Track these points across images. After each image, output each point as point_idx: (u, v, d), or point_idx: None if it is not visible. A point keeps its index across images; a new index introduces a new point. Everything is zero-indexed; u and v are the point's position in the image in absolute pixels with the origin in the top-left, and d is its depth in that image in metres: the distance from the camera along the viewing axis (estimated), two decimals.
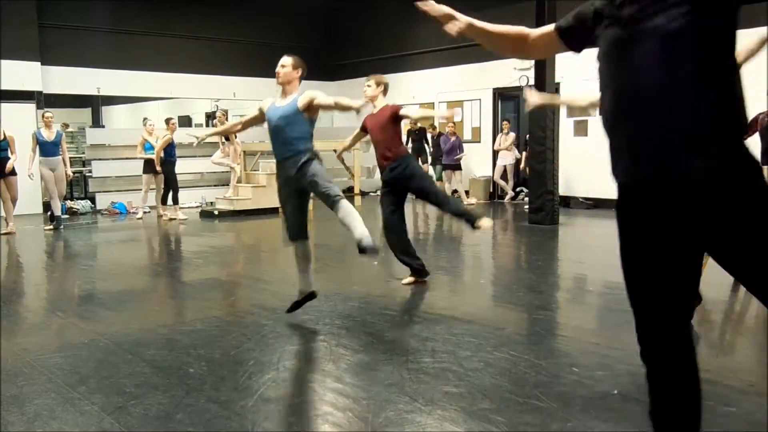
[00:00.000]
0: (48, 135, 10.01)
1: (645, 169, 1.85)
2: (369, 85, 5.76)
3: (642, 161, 1.86)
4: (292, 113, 4.61)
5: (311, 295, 4.89)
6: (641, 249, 1.96)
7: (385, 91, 5.79)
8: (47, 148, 9.98)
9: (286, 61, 4.68)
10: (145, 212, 11.95)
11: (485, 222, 5.62)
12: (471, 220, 5.66)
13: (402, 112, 5.66)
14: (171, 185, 11.29)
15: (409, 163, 5.80)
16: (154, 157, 11.27)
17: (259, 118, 4.92)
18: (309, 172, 4.58)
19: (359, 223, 4.50)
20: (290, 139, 4.62)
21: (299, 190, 4.71)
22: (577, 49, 2.20)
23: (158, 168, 11.14)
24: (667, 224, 1.87)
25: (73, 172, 10.98)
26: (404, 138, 14.60)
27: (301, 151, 4.60)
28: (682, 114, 1.75)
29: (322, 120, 15.66)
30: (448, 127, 13.26)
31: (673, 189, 1.82)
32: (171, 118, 11.74)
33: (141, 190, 11.88)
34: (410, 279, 5.87)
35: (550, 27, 2.23)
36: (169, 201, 11.40)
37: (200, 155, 13.27)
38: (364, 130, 5.95)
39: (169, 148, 11.16)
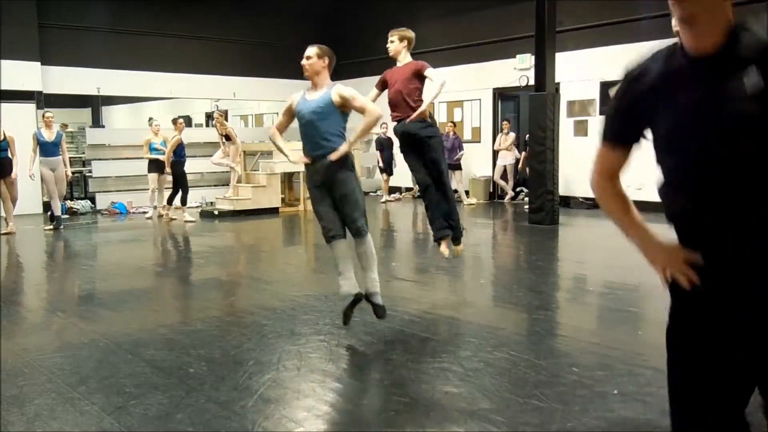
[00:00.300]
0: (48, 135, 10.01)
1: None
2: (392, 41, 5.48)
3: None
4: (326, 106, 4.25)
5: (359, 298, 4.46)
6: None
7: (409, 46, 5.51)
8: (47, 148, 9.98)
9: (311, 51, 4.34)
10: (154, 208, 11.89)
11: (446, 250, 5.55)
12: (457, 235, 5.57)
13: (427, 72, 5.37)
14: (181, 186, 11.27)
15: (435, 126, 5.56)
16: (158, 156, 11.26)
17: (291, 115, 4.53)
18: (344, 186, 4.27)
19: (374, 268, 4.38)
20: (324, 134, 4.26)
21: (332, 190, 4.35)
22: (639, 138, 1.80)
23: (168, 169, 11.12)
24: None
25: (73, 172, 10.97)
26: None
27: (335, 149, 4.24)
28: None
29: None
30: (448, 126, 13.25)
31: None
32: (179, 118, 11.73)
33: (144, 190, 11.86)
34: (445, 248, 5.66)
35: (608, 153, 1.84)
36: (176, 202, 11.36)
37: (200, 155, 13.28)
38: (381, 87, 5.59)
39: (179, 149, 11.13)
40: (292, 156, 4.50)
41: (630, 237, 1.82)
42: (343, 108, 4.29)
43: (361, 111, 4.29)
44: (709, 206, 1.60)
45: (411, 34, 5.53)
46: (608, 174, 1.86)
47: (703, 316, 1.68)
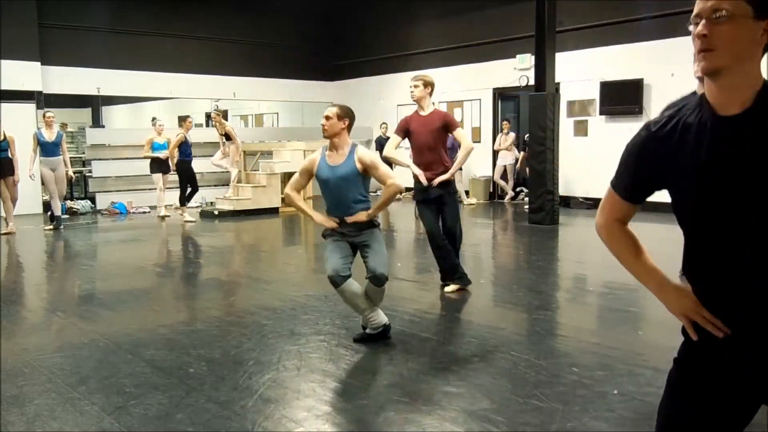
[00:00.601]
0: (49, 135, 10.01)
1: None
2: (416, 86, 5.41)
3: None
4: (352, 175, 4.23)
5: (388, 327, 4.39)
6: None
7: (431, 92, 5.48)
8: (48, 148, 9.98)
9: (331, 111, 4.27)
10: (167, 206, 11.87)
11: (453, 289, 5.55)
12: (460, 276, 5.56)
13: (457, 132, 5.42)
14: (191, 184, 11.25)
15: (455, 184, 5.67)
16: (160, 155, 11.26)
17: (310, 176, 4.48)
18: (373, 240, 4.26)
19: (380, 309, 4.38)
20: (352, 200, 4.25)
21: (351, 245, 4.32)
22: (651, 193, 1.74)
23: (173, 168, 11.10)
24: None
25: (74, 172, 10.96)
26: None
27: (362, 209, 4.26)
28: None
29: (309, 121, 15.72)
30: None
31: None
32: (188, 117, 11.74)
33: (144, 190, 11.84)
34: (455, 288, 5.63)
35: (619, 205, 1.78)
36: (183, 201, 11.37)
37: (200, 155, 13.27)
38: (403, 134, 5.50)
39: (185, 147, 11.11)
40: (316, 217, 4.39)
41: (644, 283, 1.73)
42: (365, 173, 4.27)
43: (382, 181, 4.28)
44: (730, 269, 1.53)
45: (433, 80, 5.52)
46: (616, 218, 1.79)
47: (713, 370, 1.61)
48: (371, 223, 4.28)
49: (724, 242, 1.52)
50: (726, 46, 1.42)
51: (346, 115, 4.28)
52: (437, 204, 5.52)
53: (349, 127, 4.32)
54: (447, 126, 5.38)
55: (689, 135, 1.53)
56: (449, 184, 5.51)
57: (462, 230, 5.77)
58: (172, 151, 11.08)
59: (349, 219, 4.23)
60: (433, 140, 5.36)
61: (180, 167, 11.14)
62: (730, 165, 1.46)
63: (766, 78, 1.48)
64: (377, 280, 4.18)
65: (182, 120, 11.45)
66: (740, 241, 1.49)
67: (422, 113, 5.43)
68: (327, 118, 4.25)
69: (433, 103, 5.57)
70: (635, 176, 1.67)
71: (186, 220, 10.99)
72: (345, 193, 4.26)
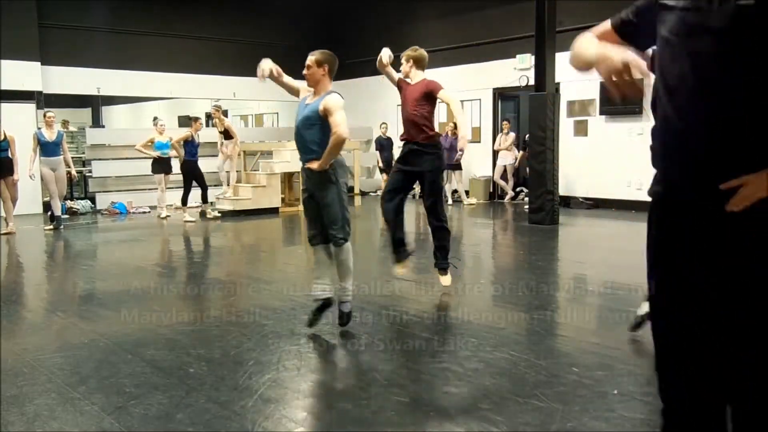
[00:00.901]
0: (49, 135, 10.01)
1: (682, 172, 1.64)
2: (402, 62, 5.44)
3: (681, 164, 1.64)
4: (313, 115, 4.26)
5: (327, 303, 4.54)
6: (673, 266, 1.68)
7: (417, 65, 5.40)
8: (49, 148, 9.99)
9: (310, 60, 4.30)
10: (167, 207, 11.87)
11: (446, 280, 5.60)
12: (443, 267, 5.61)
13: (440, 93, 5.24)
14: (199, 184, 11.24)
15: (441, 156, 5.51)
16: (160, 154, 11.25)
17: (295, 92, 4.57)
18: (325, 197, 4.29)
19: (349, 278, 4.45)
20: (309, 143, 4.29)
21: (316, 198, 4.42)
22: (642, 46, 1.83)
23: (179, 161, 11.09)
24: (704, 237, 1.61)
25: (76, 172, 10.94)
26: None
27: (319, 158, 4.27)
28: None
29: None
30: (448, 127, 13.25)
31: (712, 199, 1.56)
32: (198, 118, 11.75)
33: (143, 190, 11.83)
34: (403, 268, 5.75)
35: (607, 26, 1.89)
36: (194, 200, 11.36)
37: (200, 155, 13.26)
38: (398, 86, 5.58)
39: (191, 147, 11.11)
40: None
41: (588, 55, 1.73)
42: (326, 119, 4.24)
43: (332, 128, 4.20)
44: (695, 110, 1.57)
45: (419, 53, 5.44)
46: (595, 35, 1.86)
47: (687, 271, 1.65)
48: (328, 179, 4.28)
49: (693, 86, 1.57)
50: None
51: (326, 61, 4.31)
52: (414, 176, 5.53)
53: (330, 73, 4.33)
54: (428, 92, 5.29)
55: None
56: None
57: (446, 223, 5.65)
58: (175, 144, 11.06)
59: (312, 165, 4.27)
60: (415, 107, 5.34)
61: (185, 168, 11.12)
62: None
63: None
64: (334, 242, 4.31)
65: (193, 120, 11.47)
66: (712, 80, 1.54)
67: (409, 82, 5.47)
68: (307, 67, 4.30)
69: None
70: (635, 9, 1.78)
71: (186, 220, 10.99)
72: (304, 134, 4.32)
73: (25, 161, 10.03)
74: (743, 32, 1.48)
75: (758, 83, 1.48)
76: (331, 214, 4.30)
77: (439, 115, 14.68)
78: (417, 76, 5.43)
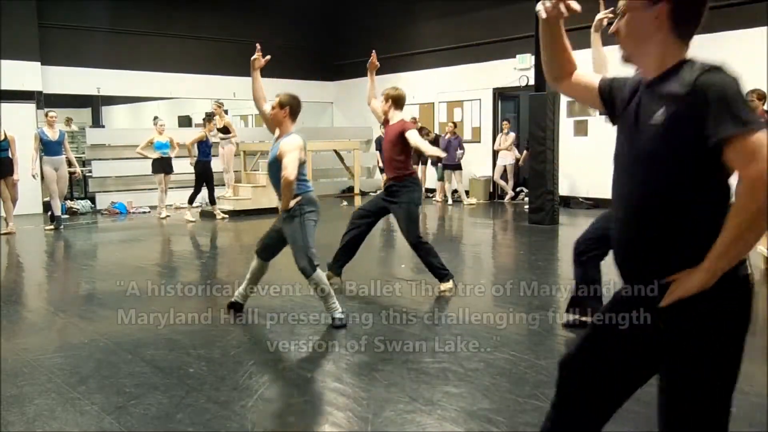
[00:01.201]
0: (51, 134, 10.04)
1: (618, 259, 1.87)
2: (381, 101, 5.71)
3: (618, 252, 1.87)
4: (273, 159, 4.52)
5: (237, 306, 4.92)
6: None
7: (396, 105, 5.62)
8: (51, 148, 10.01)
9: (274, 101, 4.62)
10: (167, 207, 11.85)
11: (447, 285, 5.60)
12: (439, 275, 5.63)
13: (408, 134, 5.46)
14: (208, 184, 11.26)
15: (414, 190, 5.63)
16: (161, 155, 11.25)
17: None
18: (287, 229, 4.52)
19: (329, 299, 4.56)
20: (275, 182, 4.56)
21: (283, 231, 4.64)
22: (611, 119, 1.96)
23: (191, 162, 11.10)
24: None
25: (69, 173, 10.91)
26: None
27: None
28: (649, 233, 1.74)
29: (309, 121, 15.70)
30: (448, 127, 13.26)
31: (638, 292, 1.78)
32: (212, 117, 11.75)
33: (143, 190, 11.82)
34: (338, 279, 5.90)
35: (596, 79, 2.00)
36: (200, 199, 11.35)
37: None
38: (384, 123, 5.82)
39: (204, 147, 11.10)
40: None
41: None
42: None
43: (282, 170, 4.38)
44: (617, 210, 1.84)
45: (398, 92, 5.66)
46: (577, 71, 2.01)
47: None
48: (293, 215, 4.49)
49: (618, 191, 1.84)
50: (626, 37, 1.77)
51: (287, 103, 4.56)
52: (383, 209, 5.77)
53: (293, 115, 4.56)
54: (401, 132, 5.48)
55: (629, 89, 1.84)
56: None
57: (422, 243, 5.72)
58: (189, 146, 11.04)
59: (281, 206, 4.55)
60: (390, 147, 5.58)
61: (198, 167, 11.09)
62: (633, 125, 1.76)
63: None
64: (301, 272, 4.50)
65: (206, 120, 11.49)
66: (629, 191, 1.79)
67: (391, 124, 5.65)
68: (272, 107, 4.56)
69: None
70: (609, 82, 1.94)
71: (188, 219, 10.99)
72: (272, 175, 4.59)
73: (26, 161, 10.03)
74: (654, 146, 1.68)
75: (669, 190, 1.68)
76: (293, 247, 4.52)
77: (439, 115, 14.72)
78: (395, 117, 5.61)
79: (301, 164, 4.48)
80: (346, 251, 5.92)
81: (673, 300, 1.66)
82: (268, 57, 4.91)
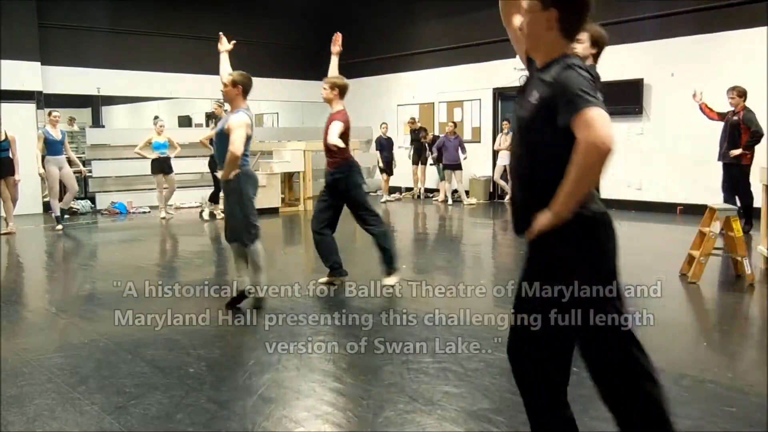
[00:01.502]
0: (54, 134, 10.06)
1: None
2: (324, 88, 5.73)
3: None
4: (221, 132, 4.85)
5: (242, 296, 5.05)
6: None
7: (341, 94, 5.67)
8: (55, 147, 10.05)
9: (227, 79, 4.93)
10: (170, 205, 11.83)
11: (392, 279, 5.64)
12: (389, 263, 5.68)
13: (331, 126, 5.51)
14: (215, 182, 11.19)
15: (349, 173, 5.65)
16: (159, 155, 11.24)
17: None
18: (229, 203, 4.88)
19: (259, 273, 4.90)
20: (221, 155, 4.86)
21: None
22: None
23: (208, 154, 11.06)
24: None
25: (75, 172, 10.93)
26: (406, 137, 14.67)
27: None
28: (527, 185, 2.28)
29: (309, 121, 15.73)
30: (448, 127, 13.26)
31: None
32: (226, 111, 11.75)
33: (143, 190, 11.81)
34: (326, 279, 5.86)
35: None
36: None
37: (200, 156, 13.26)
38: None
39: None
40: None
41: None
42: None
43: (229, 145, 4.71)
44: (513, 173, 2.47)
45: (343, 82, 5.75)
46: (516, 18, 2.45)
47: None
48: (232, 188, 4.83)
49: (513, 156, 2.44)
50: (527, 34, 2.24)
51: (240, 82, 4.88)
52: (335, 193, 5.75)
53: (244, 93, 4.90)
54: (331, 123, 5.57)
55: (531, 70, 2.32)
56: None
57: (377, 221, 5.80)
58: (204, 141, 10.94)
59: (221, 174, 4.90)
60: (325, 136, 5.62)
61: (212, 164, 11.05)
62: (520, 102, 2.25)
63: None
64: (240, 242, 4.90)
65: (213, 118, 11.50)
66: (516, 158, 2.35)
67: (331, 111, 5.70)
68: (224, 85, 4.92)
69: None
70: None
71: (204, 219, 11.02)
72: (218, 147, 4.95)
73: (27, 161, 10.04)
74: (529, 118, 2.19)
75: (535, 153, 2.20)
76: (232, 218, 4.88)
77: (439, 115, 14.72)
78: (337, 106, 5.66)
79: (247, 140, 4.80)
80: (327, 253, 5.87)
81: (533, 236, 2.22)
82: (234, 42, 5.49)
